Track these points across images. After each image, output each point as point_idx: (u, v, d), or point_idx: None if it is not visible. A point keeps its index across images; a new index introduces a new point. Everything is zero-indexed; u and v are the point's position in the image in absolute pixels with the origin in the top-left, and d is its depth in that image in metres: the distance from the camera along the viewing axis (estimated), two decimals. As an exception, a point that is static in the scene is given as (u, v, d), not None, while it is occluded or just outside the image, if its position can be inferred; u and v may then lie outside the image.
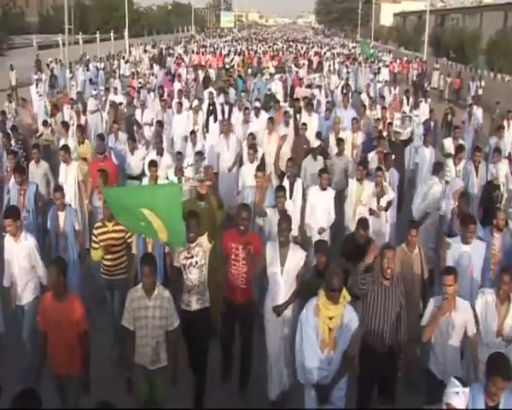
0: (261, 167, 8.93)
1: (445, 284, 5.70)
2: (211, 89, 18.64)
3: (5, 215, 6.89)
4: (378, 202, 9.15)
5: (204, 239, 6.45)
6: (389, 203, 9.21)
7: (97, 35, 43.99)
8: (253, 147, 10.36)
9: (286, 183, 9.02)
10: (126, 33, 46.56)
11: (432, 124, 15.65)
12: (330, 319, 5.29)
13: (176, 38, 64.22)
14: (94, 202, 9.70)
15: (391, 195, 9.27)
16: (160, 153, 10.66)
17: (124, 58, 36.45)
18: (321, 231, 8.82)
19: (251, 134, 11.81)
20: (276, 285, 6.54)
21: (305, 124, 12.58)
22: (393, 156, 10.54)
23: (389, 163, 10.23)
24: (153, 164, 9.03)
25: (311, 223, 8.97)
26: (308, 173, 10.74)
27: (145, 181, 9.45)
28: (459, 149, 11.01)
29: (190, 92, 20.41)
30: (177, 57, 35.42)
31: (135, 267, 7.40)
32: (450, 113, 17.48)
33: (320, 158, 10.99)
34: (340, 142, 11.33)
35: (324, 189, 8.96)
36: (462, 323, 5.77)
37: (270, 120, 12.58)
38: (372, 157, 10.93)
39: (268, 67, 29.94)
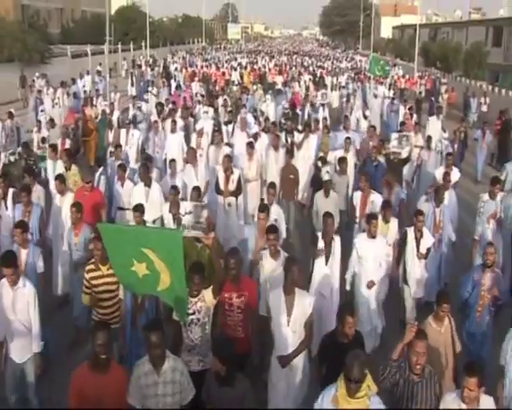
0: (264, 208, 7.42)
1: (466, 386, 4.34)
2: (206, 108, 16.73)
3: (3, 264, 5.60)
4: (418, 250, 7.71)
5: (207, 293, 5.36)
6: (428, 250, 7.86)
7: (119, 46, 44.08)
8: (273, 187, 8.53)
9: (320, 243, 7.07)
10: (148, 44, 47.28)
11: (456, 146, 14.12)
12: None
13: (190, 50, 63.66)
14: (69, 237, 7.58)
15: (430, 241, 7.87)
16: (148, 184, 9.08)
17: (150, 66, 35.61)
18: (370, 285, 7.18)
19: (227, 156, 9.93)
20: (282, 337, 5.44)
21: (291, 151, 11.11)
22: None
23: (440, 198, 8.66)
24: (137, 209, 7.50)
25: (360, 276, 7.31)
26: (320, 213, 9.04)
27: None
28: (495, 181, 9.05)
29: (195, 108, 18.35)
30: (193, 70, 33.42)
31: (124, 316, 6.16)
32: (464, 131, 15.70)
33: (334, 194, 9.35)
34: (342, 160, 10.43)
35: (373, 237, 7.25)
36: None
37: (250, 145, 10.98)
38: (356, 197, 9.36)
39: (275, 82, 28.48)
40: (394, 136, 12.04)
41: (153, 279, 5.04)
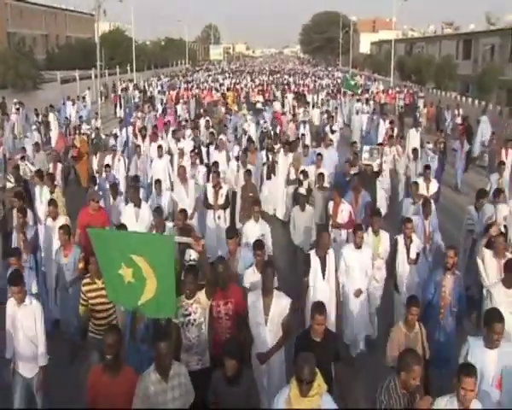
0: (232, 234, 7.31)
1: (465, 387, 4.28)
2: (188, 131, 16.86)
3: (10, 282, 5.82)
4: (408, 256, 7.87)
5: (202, 295, 5.58)
6: (418, 255, 7.96)
7: (106, 70, 44.66)
8: (257, 204, 8.68)
9: (314, 259, 7.09)
10: (134, 68, 48.83)
11: (437, 157, 14.33)
12: None
13: (173, 72, 64.10)
14: (59, 257, 7.58)
15: (419, 246, 8.00)
16: (138, 204, 9.19)
17: (138, 88, 36.23)
18: (358, 293, 7.34)
19: (215, 172, 10.41)
20: (260, 336, 5.69)
21: (249, 170, 11.20)
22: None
23: (428, 211, 8.78)
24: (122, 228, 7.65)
25: (347, 284, 7.43)
26: (297, 226, 9.33)
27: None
28: (480, 193, 9.31)
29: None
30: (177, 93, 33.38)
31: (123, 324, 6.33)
32: (443, 142, 15.97)
33: (309, 208, 9.56)
34: (320, 176, 10.75)
35: (359, 247, 7.41)
36: None
37: (215, 164, 11.48)
38: (329, 207, 9.60)
39: (257, 102, 28.71)
40: (365, 148, 12.23)
41: (137, 289, 5.07)
